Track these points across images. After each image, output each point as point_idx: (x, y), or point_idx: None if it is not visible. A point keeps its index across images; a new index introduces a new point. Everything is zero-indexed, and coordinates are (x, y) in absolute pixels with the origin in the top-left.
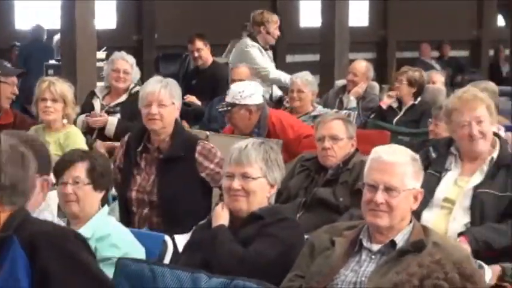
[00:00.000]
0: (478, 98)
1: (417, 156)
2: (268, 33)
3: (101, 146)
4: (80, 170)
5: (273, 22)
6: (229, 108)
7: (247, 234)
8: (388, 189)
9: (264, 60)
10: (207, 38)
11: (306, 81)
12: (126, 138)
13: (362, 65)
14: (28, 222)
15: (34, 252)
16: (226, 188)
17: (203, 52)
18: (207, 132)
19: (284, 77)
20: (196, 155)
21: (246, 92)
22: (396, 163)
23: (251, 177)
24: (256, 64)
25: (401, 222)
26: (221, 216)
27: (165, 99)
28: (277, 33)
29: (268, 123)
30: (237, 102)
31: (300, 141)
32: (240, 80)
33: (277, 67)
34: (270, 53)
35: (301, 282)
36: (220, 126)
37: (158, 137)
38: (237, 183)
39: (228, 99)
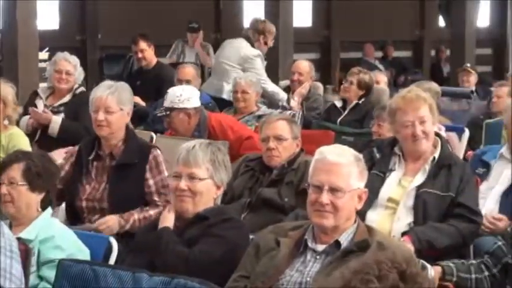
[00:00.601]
0: (421, 98)
1: (361, 156)
2: (265, 43)
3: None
4: (16, 171)
5: (272, 33)
6: (168, 112)
7: (192, 234)
8: (333, 189)
9: (265, 72)
10: (151, 38)
11: (250, 82)
12: (77, 147)
13: (305, 64)
14: None
15: None
16: (173, 188)
17: (147, 53)
18: (152, 134)
19: (281, 94)
20: (148, 163)
21: (184, 95)
22: (341, 164)
23: (198, 178)
24: (260, 75)
25: (346, 222)
26: (167, 219)
27: (112, 105)
28: (271, 45)
29: (208, 125)
30: (175, 106)
31: (242, 142)
32: (187, 80)
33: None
34: (264, 63)
35: (246, 283)
36: (165, 128)
37: (109, 142)
38: (183, 184)
39: (166, 103)
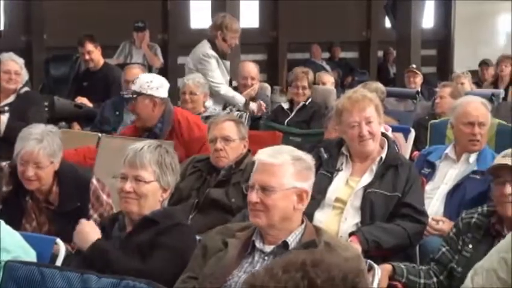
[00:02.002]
0: (367, 98)
1: (304, 156)
2: (224, 40)
3: None
4: None
5: (232, 30)
6: (134, 96)
7: (140, 240)
8: (263, 188)
9: (219, 75)
10: (98, 39)
11: (198, 83)
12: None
13: (253, 66)
14: None
15: None
16: (118, 190)
17: (94, 54)
18: (99, 134)
19: (237, 98)
20: (90, 202)
21: (154, 83)
22: (272, 163)
23: (143, 180)
24: (211, 77)
25: (287, 223)
26: (91, 232)
27: (43, 160)
28: (234, 42)
29: (173, 119)
30: (143, 91)
31: (204, 143)
32: (133, 81)
33: (169, 69)
34: (228, 63)
35: (194, 284)
36: (113, 128)
37: (40, 191)
38: (128, 186)
39: (135, 87)
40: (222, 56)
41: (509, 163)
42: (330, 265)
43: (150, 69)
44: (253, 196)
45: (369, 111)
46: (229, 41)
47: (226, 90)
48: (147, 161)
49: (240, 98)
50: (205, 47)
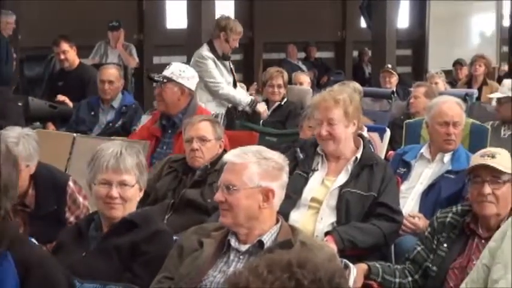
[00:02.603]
0: (335, 99)
1: (274, 156)
2: (227, 41)
3: None
4: None
5: (236, 33)
6: (165, 81)
7: (119, 242)
8: (227, 187)
9: (217, 74)
10: (73, 39)
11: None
12: None
13: None
14: (20, 239)
15: (27, 274)
16: (102, 196)
17: (69, 54)
18: (74, 134)
19: (238, 96)
20: (66, 205)
21: (187, 73)
22: (236, 163)
23: (129, 185)
24: (208, 78)
25: (254, 222)
26: None
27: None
28: (235, 44)
29: (200, 112)
30: (174, 78)
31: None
32: (109, 81)
33: (145, 69)
34: (228, 63)
35: (169, 284)
36: (89, 128)
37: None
38: (115, 192)
39: (167, 73)
40: (223, 57)
41: (489, 163)
42: (316, 266)
43: (125, 69)
44: (219, 195)
45: (333, 113)
46: (231, 43)
47: (226, 89)
48: (129, 165)
49: (243, 98)
50: (201, 50)
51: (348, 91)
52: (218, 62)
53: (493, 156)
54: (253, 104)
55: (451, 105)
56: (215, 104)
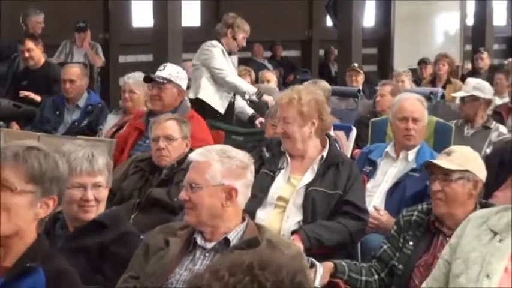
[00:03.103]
0: (290, 99)
1: (238, 155)
2: (234, 38)
3: None
4: None
5: (243, 31)
6: (165, 82)
7: (86, 243)
8: (190, 185)
9: (224, 62)
10: (38, 38)
11: (138, 82)
12: None
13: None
14: (52, 254)
15: None
16: (76, 199)
17: (34, 52)
18: (39, 134)
19: (245, 86)
20: None
21: (181, 74)
22: (201, 161)
23: (102, 186)
24: (214, 64)
25: (218, 220)
26: None
27: None
28: (243, 43)
29: (188, 116)
30: (172, 79)
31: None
32: (70, 80)
33: (111, 68)
34: (235, 58)
35: (135, 283)
36: (53, 128)
37: None
38: (90, 194)
39: (164, 74)
40: (229, 53)
41: (436, 161)
42: (278, 266)
43: (91, 68)
44: (183, 194)
45: (287, 112)
46: (239, 40)
47: (232, 77)
48: (102, 166)
49: (249, 87)
50: (209, 41)
51: (310, 90)
52: (226, 54)
53: (448, 154)
54: (259, 94)
55: (411, 102)
56: (219, 96)
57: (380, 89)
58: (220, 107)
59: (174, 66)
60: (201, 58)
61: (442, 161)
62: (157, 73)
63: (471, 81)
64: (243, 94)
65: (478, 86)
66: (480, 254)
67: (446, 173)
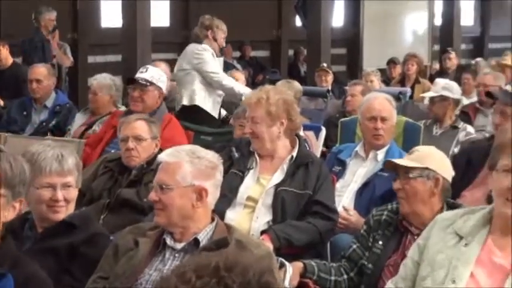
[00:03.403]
0: (259, 99)
1: (207, 155)
2: (215, 39)
3: None
4: None
5: (221, 31)
6: (148, 84)
7: (55, 244)
8: (160, 186)
9: (217, 65)
10: (6, 38)
11: (102, 83)
12: None
13: (164, 66)
14: (20, 258)
15: None
16: (46, 200)
17: (1, 53)
18: (5, 134)
19: (241, 88)
20: None
21: (162, 78)
22: (170, 162)
23: (72, 186)
24: (209, 68)
25: (189, 221)
26: None
27: None
28: (223, 43)
29: (164, 118)
30: (154, 82)
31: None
32: (36, 80)
33: (79, 68)
34: (221, 60)
35: (104, 284)
36: (21, 128)
37: None
38: (60, 194)
39: (146, 76)
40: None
41: (395, 160)
42: (245, 267)
43: (59, 69)
44: (153, 195)
45: (255, 111)
46: (219, 41)
47: (227, 79)
48: (71, 166)
49: (243, 89)
50: (195, 45)
51: (278, 90)
52: (215, 56)
53: (411, 153)
54: None
55: (380, 101)
56: (212, 100)
57: (350, 89)
58: (214, 112)
59: (155, 69)
60: (193, 62)
61: (402, 160)
62: (139, 75)
63: (440, 81)
64: (239, 96)
65: (447, 86)
66: (446, 256)
67: (406, 171)
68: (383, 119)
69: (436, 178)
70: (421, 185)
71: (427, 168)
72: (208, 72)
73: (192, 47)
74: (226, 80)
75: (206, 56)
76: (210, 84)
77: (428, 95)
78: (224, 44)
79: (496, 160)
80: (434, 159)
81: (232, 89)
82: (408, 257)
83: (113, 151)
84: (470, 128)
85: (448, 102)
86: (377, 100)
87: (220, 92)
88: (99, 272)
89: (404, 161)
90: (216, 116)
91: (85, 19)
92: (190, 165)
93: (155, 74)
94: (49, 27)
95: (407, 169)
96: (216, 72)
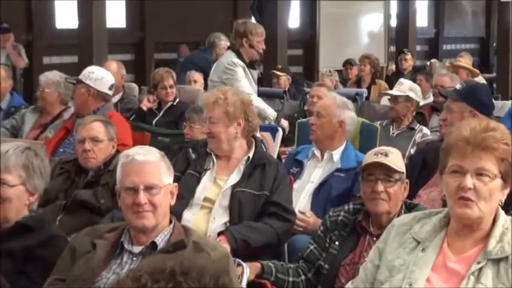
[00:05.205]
0: (216, 99)
1: (163, 153)
2: (251, 46)
3: None
4: None
5: (257, 34)
6: (75, 82)
7: (10, 246)
8: (148, 188)
9: (248, 84)
10: None
11: (50, 79)
12: None
13: (114, 66)
14: None
15: None
16: None
17: None
18: None
19: (268, 110)
20: None
21: (95, 74)
22: (150, 162)
23: (8, 184)
24: (239, 87)
25: (163, 221)
26: None
27: None
28: (261, 46)
29: (107, 115)
30: (82, 79)
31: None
32: None
33: (34, 69)
34: (255, 73)
35: (61, 286)
36: None
37: None
38: None
39: (80, 75)
40: (250, 65)
41: (383, 161)
42: (200, 271)
43: (14, 70)
44: (141, 197)
45: (213, 111)
46: (256, 46)
47: (257, 101)
48: (11, 164)
49: (270, 112)
50: (230, 56)
51: (236, 91)
52: (247, 70)
53: (386, 155)
54: (277, 118)
55: (324, 99)
56: None
57: (315, 90)
58: None
59: (91, 67)
60: (223, 77)
61: (387, 162)
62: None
63: (406, 82)
64: (266, 118)
65: (413, 88)
66: (404, 262)
67: (388, 174)
68: (318, 114)
69: (406, 182)
70: (399, 188)
71: (403, 172)
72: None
73: (225, 60)
74: (256, 102)
75: (238, 72)
76: None
77: (394, 93)
78: (263, 47)
79: (444, 163)
80: (402, 162)
81: (259, 110)
82: (368, 260)
83: (61, 150)
84: (426, 130)
85: (411, 103)
86: (323, 98)
87: None
88: (55, 274)
89: (392, 164)
90: None
91: (40, 20)
92: (164, 163)
93: (86, 71)
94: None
95: (390, 172)
96: (247, 93)
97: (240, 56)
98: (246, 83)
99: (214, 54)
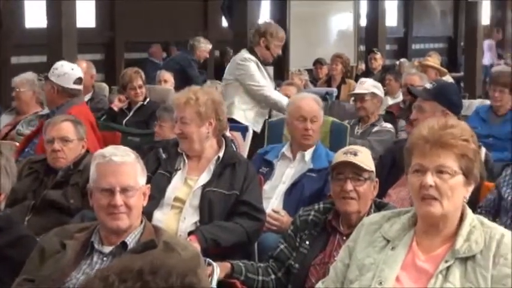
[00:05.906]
0: (187, 99)
1: (137, 154)
2: (267, 48)
3: None
4: None
5: (277, 38)
6: (43, 79)
7: None
8: (124, 190)
9: (261, 77)
10: None
11: (24, 79)
12: None
13: (84, 66)
14: None
15: None
16: None
17: None
18: None
19: (285, 102)
20: None
21: (59, 70)
22: (127, 163)
23: None
24: (251, 81)
25: (136, 221)
26: None
27: None
28: (277, 51)
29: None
30: (49, 76)
31: None
32: None
33: (2, 68)
34: (271, 69)
35: (30, 286)
36: None
37: None
38: None
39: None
40: (264, 63)
41: (352, 160)
42: (168, 270)
43: None
44: (118, 199)
45: (184, 112)
46: (272, 50)
47: (271, 92)
48: None
49: (283, 100)
50: (242, 53)
51: (206, 91)
52: (261, 66)
53: (355, 154)
54: None
55: (308, 102)
56: (254, 113)
57: (285, 89)
58: (256, 125)
59: (57, 63)
60: (236, 73)
61: (356, 161)
62: None
63: (368, 80)
64: (283, 110)
65: (375, 85)
66: (374, 261)
67: (357, 173)
68: (312, 120)
69: (376, 181)
70: (368, 187)
71: (372, 171)
72: (252, 85)
73: (238, 57)
74: (271, 94)
75: (251, 67)
76: (253, 97)
77: (361, 91)
78: (279, 52)
79: (408, 163)
80: (371, 161)
81: (276, 103)
82: (338, 259)
83: (26, 150)
84: (385, 124)
85: (377, 100)
86: (305, 100)
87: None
88: (24, 275)
89: (361, 163)
90: (259, 128)
91: (8, 19)
92: (138, 164)
93: (52, 68)
94: None
95: (359, 171)
96: (261, 85)
97: (254, 54)
98: (259, 76)
99: (196, 56)
